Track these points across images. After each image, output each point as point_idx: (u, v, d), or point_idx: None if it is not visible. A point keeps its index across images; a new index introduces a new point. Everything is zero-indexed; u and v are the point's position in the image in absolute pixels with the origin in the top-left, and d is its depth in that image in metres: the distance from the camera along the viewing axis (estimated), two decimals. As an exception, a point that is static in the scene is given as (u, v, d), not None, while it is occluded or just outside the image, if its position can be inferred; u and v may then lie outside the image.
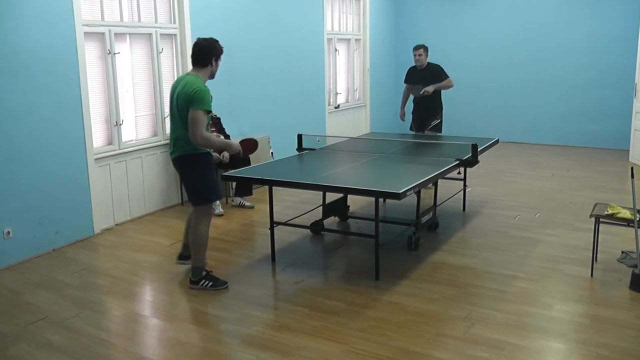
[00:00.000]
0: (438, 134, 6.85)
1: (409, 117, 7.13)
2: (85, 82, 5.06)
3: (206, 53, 3.81)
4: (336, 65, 9.11)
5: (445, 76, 6.78)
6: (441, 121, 6.88)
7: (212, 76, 3.91)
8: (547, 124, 9.71)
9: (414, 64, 6.91)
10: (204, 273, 4.00)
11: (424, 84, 6.76)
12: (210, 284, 3.98)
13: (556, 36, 9.40)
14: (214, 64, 3.85)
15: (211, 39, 3.89)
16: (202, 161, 3.87)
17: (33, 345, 3.30)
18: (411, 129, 7.12)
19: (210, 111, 3.73)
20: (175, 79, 4.12)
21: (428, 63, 6.84)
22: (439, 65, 6.84)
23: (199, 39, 3.86)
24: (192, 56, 3.85)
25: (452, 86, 6.82)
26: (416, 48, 6.83)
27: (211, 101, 3.75)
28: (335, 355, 3.12)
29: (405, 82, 7.10)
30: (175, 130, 3.85)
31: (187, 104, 3.67)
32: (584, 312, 3.62)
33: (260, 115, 7.38)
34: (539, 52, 9.57)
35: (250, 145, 4.24)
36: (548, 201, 6.14)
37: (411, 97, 7.05)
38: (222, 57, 3.96)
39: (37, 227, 4.77)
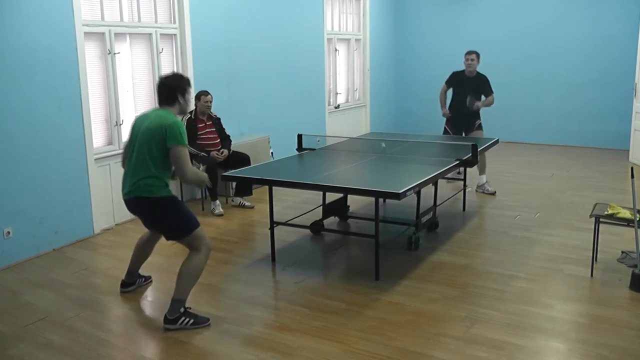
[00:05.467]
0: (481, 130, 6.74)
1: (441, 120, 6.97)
2: (85, 82, 5.07)
3: (169, 91, 3.50)
4: (336, 65, 9.11)
5: (491, 90, 6.60)
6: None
7: (182, 112, 3.62)
8: (547, 124, 9.71)
9: (463, 69, 6.67)
10: (182, 309, 3.46)
11: (471, 92, 6.59)
12: (192, 321, 3.45)
13: (556, 36, 9.40)
14: (181, 100, 3.53)
15: (173, 75, 3.64)
16: (173, 202, 3.53)
17: (33, 345, 3.30)
18: (445, 132, 6.87)
19: (186, 144, 3.43)
20: (147, 112, 3.68)
21: (477, 72, 6.63)
22: (487, 77, 6.65)
23: (160, 78, 3.61)
24: (158, 95, 3.55)
25: (493, 103, 6.68)
26: (469, 53, 6.58)
27: None
28: (335, 355, 3.12)
29: (446, 83, 6.85)
30: (137, 167, 3.42)
31: (161, 140, 3.34)
32: (584, 312, 3.61)
33: (260, 115, 7.38)
34: (539, 52, 9.57)
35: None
36: (548, 201, 6.14)
37: (448, 100, 6.86)
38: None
39: (37, 227, 4.77)
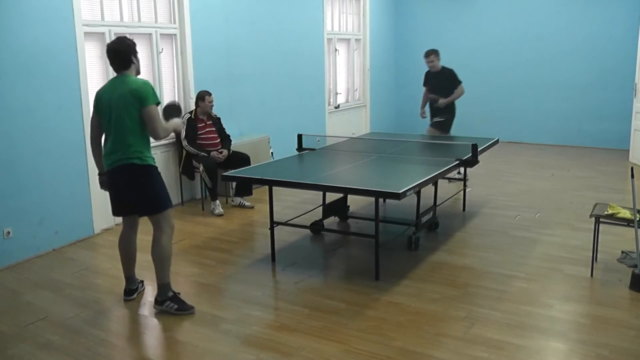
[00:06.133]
0: (441, 131, 6.87)
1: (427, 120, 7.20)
2: (85, 82, 5.07)
3: (123, 56, 3.56)
4: (336, 65, 9.11)
5: (457, 82, 6.84)
6: (446, 120, 6.91)
7: (138, 72, 3.69)
8: (547, 124, 9.71)
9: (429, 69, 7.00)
10: (171, 294, 3.68)
11: (440, 87, 6.86)
12: (176, 307, 3.65)
13: (557, 36, 9.40)
14: (134, 61, 3.61)
15: (118, 40, 3.66)
16: (156, 172, 3.66)
17: (33, 345, 3.30)
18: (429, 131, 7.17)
19: (159, 102, 3.59)
20: (107, 83, 3.73)
21: (442, 67, 6.91)
22: (452, 70, 6.91)
23: (108, 46, 3.62)
24: (112, 63, 3.60)
25: (463, 93, 6.90)
26: (427, 55, 6.90)
27: None
28: (335, 355, 3.12)
29: (424, 85, 7.19)
30: (123, 136, 3.51)
31: (138, 101, 3.46)
32: (584, 312, 3.62)
33: (260, 115, 7.38)
34: (539, 52, 9.57)
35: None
36: (548, 201, 6.14)
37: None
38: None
39: (37, 227, 4.77)
